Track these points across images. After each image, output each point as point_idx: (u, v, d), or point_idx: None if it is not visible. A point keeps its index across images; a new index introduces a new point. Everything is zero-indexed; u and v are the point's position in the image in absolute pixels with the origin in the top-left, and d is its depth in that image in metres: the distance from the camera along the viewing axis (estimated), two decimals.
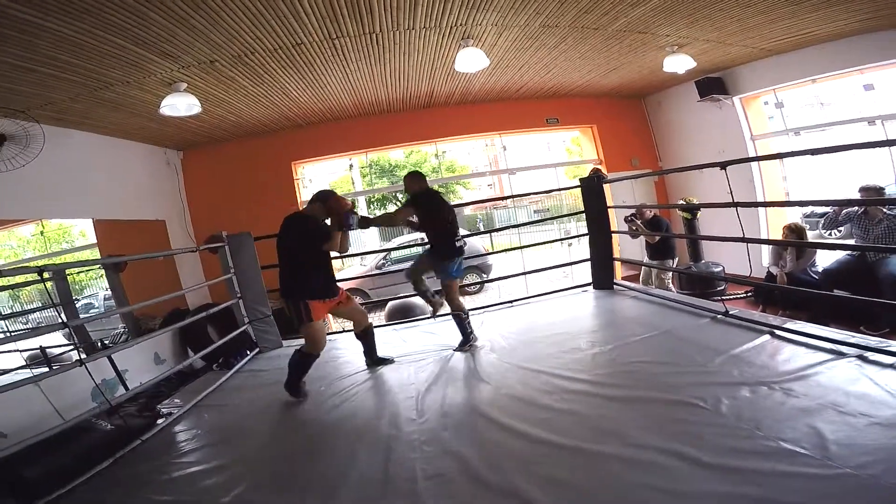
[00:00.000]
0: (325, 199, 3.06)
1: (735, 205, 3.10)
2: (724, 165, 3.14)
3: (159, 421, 2.91)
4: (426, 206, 3.49)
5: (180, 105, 4.02)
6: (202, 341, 4.69)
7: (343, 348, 4.03)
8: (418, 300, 6.48)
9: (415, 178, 3.57)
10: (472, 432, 2.25)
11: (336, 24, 3.52)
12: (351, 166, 7.77)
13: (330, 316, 6.78)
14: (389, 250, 9.34)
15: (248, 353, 4.18)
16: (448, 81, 5.55)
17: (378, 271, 8.63)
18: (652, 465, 1.74)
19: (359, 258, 9.71)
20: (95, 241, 4.99)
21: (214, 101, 4.61)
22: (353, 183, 8.92)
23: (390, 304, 6.64)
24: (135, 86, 3.87)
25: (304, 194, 6.57)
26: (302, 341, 3.10)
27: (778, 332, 2.81)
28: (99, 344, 4.44)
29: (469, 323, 3.54)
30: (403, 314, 5.78)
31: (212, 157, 6.24)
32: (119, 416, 2.65)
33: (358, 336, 3.45)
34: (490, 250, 8.92)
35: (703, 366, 2.53)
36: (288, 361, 3.05)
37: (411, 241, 10.18)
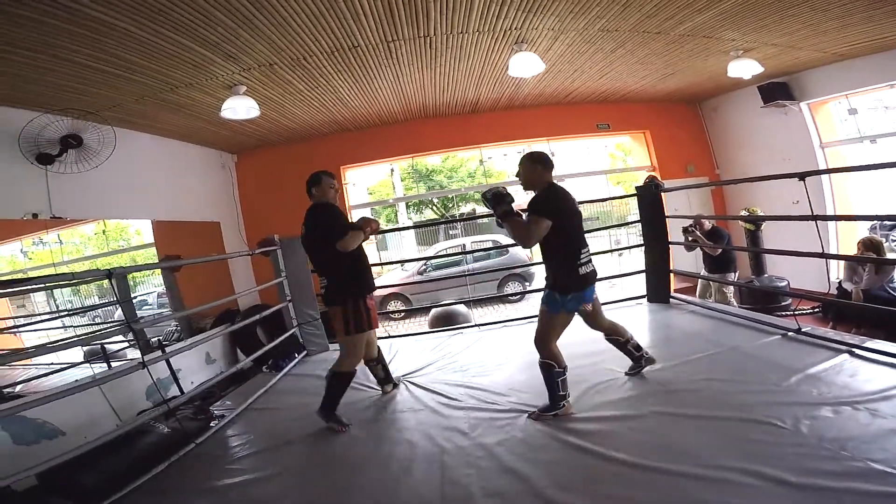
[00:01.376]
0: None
1: (814, 218, 2.84)
2: (802, 176, 2.85)
3: (213, 423, 2.86)
4: (558, 210, 2.32)
5: (240, 108, 4.03)
6: (252, 342, 4.71)
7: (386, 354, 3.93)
8: (461, 308, 6.35)
9: (542, 162, 2.43)
10: (529, 450, 2.11)
11: (392, 27, 3.45)
12: (392, 171, 7.75)
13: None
14: (430, 257, 9.26)
15: (297, 355, 4.12)
16: (496, 86, 5.42)
17: (420, 277, 8.54)
18: (731, 485, 1.62)
19: (399, 264, 9.68)
20: (152, 240, 5.08)
21: (271, 104, 4.62)
22: (394, 188, 8.93)
23: (434, 310, 6.53)
24: (197, 88, 3.90)
25: (353, 199, 6.57)
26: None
27: (857, 350, 2.59)
28: (155, 342, 4.49)
29: (563, 382, 2.38)
30: (447, 321, 5.63)
31: (264, 160, 6.31)
32: (175, 419, 2.60)
33: (370, 363, 3.00)
34: (532, 258, 8.70)
35: (777, 384, 2.36)
36: (326, 383, 2.67)
37: (450, 246, 10.16)
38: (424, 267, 8.85)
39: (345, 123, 5.93)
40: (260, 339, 4.79)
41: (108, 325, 4.43)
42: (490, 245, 9.23)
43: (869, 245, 4.46)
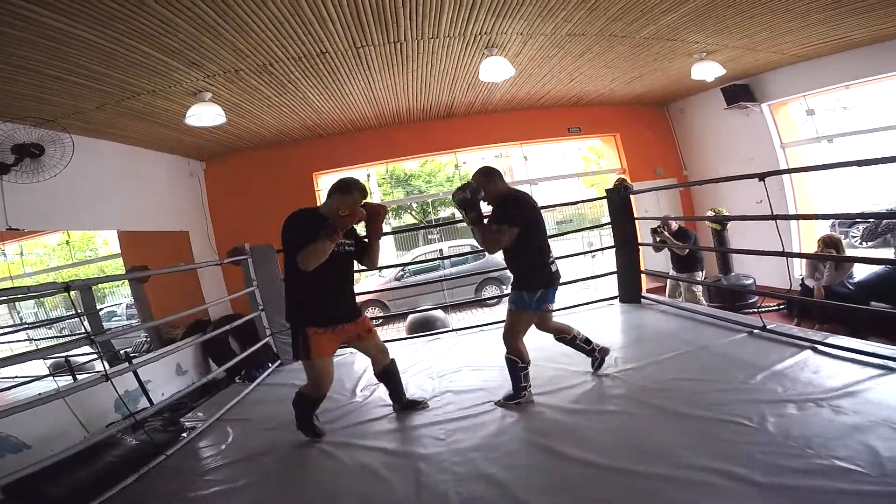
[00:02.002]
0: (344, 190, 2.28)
1: (774, 217, 2.94)
2: (762, 177, 2.93)
3: (183, 435, 2.80)
4: (523, 216, 2.44)
5: (205, 115, 3.97)
6: (224, 352, 4.61)
7: (361, 362, 3.90)
8: (439, 313, 6.35)
9: (495, 175, 2.53)
10: (505, 455, 2.11)
11: (361, 33, 3.45)
12: (368, 176, 7.72)
13: None
14: (407, 263, 9.24)
15: (270, 365, 4.06)
16: (469, 91, 5.47)
17: (397, 283, 8.49)
18: (703, 486, 1.65)
19: (377, 271, 9.63)
20: (119, 250, 4.94)
21: (238, 111, 4.56)
22: (371, 194, 8.88)
23: (411, 317, 6.51)
24: (160, 95, 3.83)
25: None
26: None
27: (820, 346, 2.66)
28: (122, 354, 4.37)
29: (525, 375, 2.56)
30: (424, 327, 5.62)
31: (233, 167, 6.22)
32: (144, 431, 2.54)
33: (379, 376, 2.75)
34: None
35: (745, 382, 2.39)
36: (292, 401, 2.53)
37: (428, 251, 10.15)
38: (402, 273, 8.82)
39: (316, 129, 5.89)
40: (232, 349, 4.70)
41: (71, 337, 4.29)
42: (468, 249, 9.26)
43: (829, 242, 4.60)
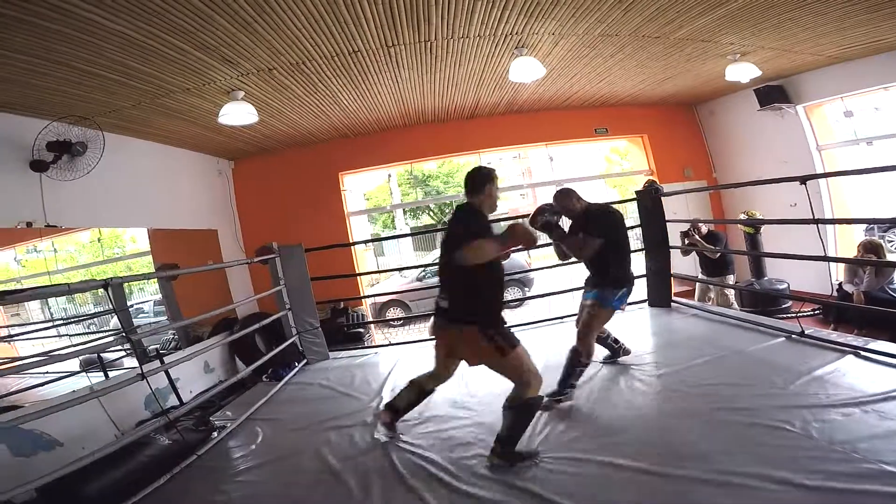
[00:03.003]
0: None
1: (815, 221, 2.82)
2: (804, 180, 2.83)
3: (214, 434, 2.79)
4: (611, 226, 2.70)
5: (238, 114, 3.98)
6: (250, 351, 4.63)
7: (386, 362, 3.89)
8: None
9: (573, 195, 2.80)
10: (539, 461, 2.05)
11: (393, 32, 3.42)
12: (389, 177, 7.70)
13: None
14: (429, 265, 9.20)
15: (297, 364, 4.05)
16: (496, 91, 5.41)
17: (420, 284, 8.46)
18: (744, 489, 1.62)
19: (398, 272, 9.61)
20: (148, 248, 4.99)
21: (269, 110, 4.57)
22: (392, 194, 8.87)
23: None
24: (194, 93, 3.84)
25: (350, 205, 6.51)
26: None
27: (861, 352, 2.60)
28: (153, 351, 4.40)
29: (580, 373, 2.65)
30: None
31: (261, 166, 6.26)
32: (176, 430, 2.53)
33: (424, 394, 2.53)
34: (531, 263, 8.65)
35: (784, 388, 2.36)
36: (508, 421, 2.09)
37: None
38: (423, 273, 8.79)
39: (343, 129, 5.89)
40: (259, 348, 4.71)
41: (104, 334, 4.34)
42: None
43: (869, 247, 4.49)
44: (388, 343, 4.65)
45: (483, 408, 2.65)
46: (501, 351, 2.03)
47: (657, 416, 2.31)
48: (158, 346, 4.72)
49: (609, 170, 10.39)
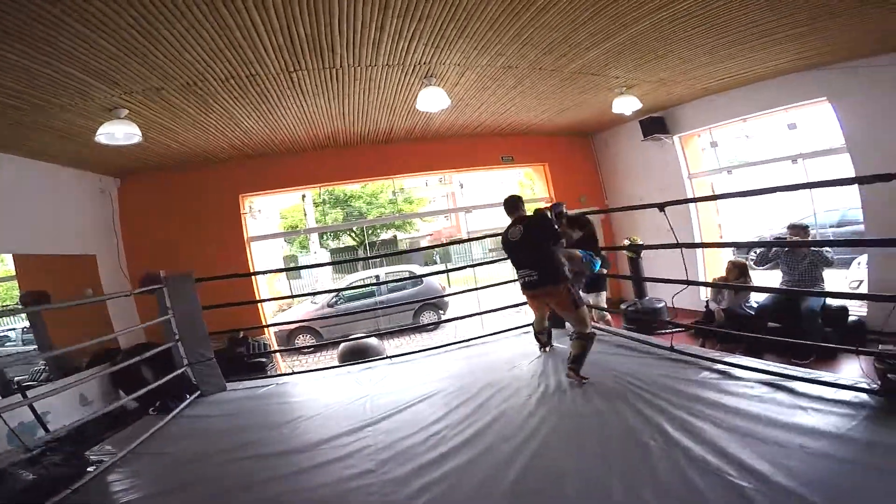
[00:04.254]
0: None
1: (678, 245, 3.33)
2: (661, 207, 3.35)
3: (89, 469, 2.65)
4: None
5: (118, 133, 3.85)
6: (136, 383, 4.36)
7: (288, 393, 3.93)
8: (373, 340, 6.35)
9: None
10: (444, 476, 2.21)
11: (294, 58, 3.51)
12: (304, 197, 7.69)
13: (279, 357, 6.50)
14: (341, 289, 9.19)
15: (188, 396, 3.92)
16: (409, 118, 5.65)
17: (331, 310, 8.41)
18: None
19: (309, 297, 9.46)
20: (14, 271, 4.58)
21: (158, 128, 4.46)
22: (305, 214, 8.81)
23: (343, 345, 6.46)
24: (72, 110, 3.70)
25: (252, 229, 6.37)
26: None
27: (718, 365, 3.02)
28: (15, 384, 4.02)
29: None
30: (357, 355, 5.58)
31: (153, 186, 5.98)
32: (42, 465, 2.39)
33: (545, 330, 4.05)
34: (447, 288, 9.00)
35: (651, 402, 2.65)
36: (581, 343, 3.21)
37: (364, 277, 10.14)
38: (336, 299, 8.76)
39: (245, 150, 5.83)
40: (146, 379, 4.46)
41: None
42: (407, 275, 9.38)
43: (736, 265, 5.23)
44: (291, 372, 4.62)
45: (381, 437, 2.76)
46: (575, 304, 3.33)
47: (542, 436, 2.48)
48: (26, 376, 4.32)
49: (523, 195, 11.12)
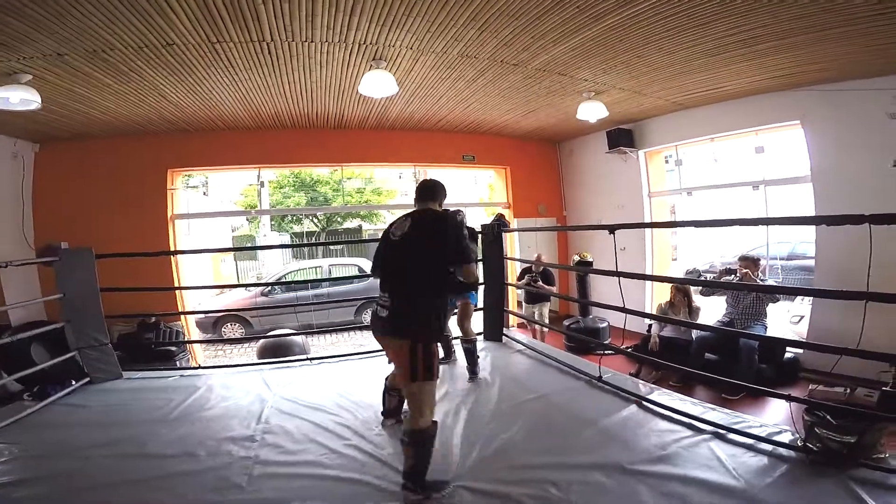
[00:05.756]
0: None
1: (619, 274, 3.25)
2: (612, 230, 3.27)
3: None
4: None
5: (13, 98, 3.73)
6: (24, 363, 4.24)
7: (187, 387, 3.80)
8: (298, 338, 6.25)
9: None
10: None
11: (214, 27, 3.42)
12: (259, 179, 7.50)
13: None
14: (275, 284, 9.00)
15: (74, 383, 3.81)
16: (361, 105, 5.60)
17: (265, 300, 8.29)
18: None
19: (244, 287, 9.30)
20: None
21: (70, 95, 4.34)
22: (260, 197, 8.62)
23: (263, 341, 6.36)
24: None
25: (179, 206, 6.23)
26: None
27: (644, 402, 2.98)
28: None
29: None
30: (276, 353, 5.48)
31: (74, 154, 5.83)
32: None
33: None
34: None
35: (567, 440, 2.60)
36: (414, 450, 2.12)
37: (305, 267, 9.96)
38: (270, 288, 8.65)
39: (180, 124, 5.72)
40: (34, 360, 4.34)
41: None
42: (355, 268, 9.29)
43: (681, 289, 5.30)
44: (197, 366, 4.52)
45: (265, 450, 2.70)
46: (414, 374, 2.09)
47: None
48: None
49: (491, 197, 11.16)
